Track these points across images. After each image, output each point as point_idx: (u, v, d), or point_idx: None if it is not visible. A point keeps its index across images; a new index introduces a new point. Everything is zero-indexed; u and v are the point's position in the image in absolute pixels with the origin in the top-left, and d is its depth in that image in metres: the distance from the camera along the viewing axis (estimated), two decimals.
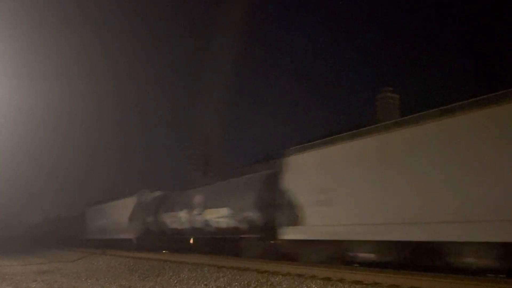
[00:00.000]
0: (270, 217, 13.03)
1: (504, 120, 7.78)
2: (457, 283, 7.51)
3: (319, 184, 11.23)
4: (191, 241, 18.60)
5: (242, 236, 14.51)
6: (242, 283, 9.50)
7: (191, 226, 17.78)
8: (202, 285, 9.73)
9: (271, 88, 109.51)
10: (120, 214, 24.97)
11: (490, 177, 7.79)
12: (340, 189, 10.60)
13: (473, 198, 7.95)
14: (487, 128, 7.97)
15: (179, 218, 18.71)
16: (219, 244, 16.37)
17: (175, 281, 10.52)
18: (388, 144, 9.72)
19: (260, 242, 13.74)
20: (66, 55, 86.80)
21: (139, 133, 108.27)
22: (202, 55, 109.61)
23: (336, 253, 10.85)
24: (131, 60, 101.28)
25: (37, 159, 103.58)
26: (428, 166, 8.78)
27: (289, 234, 12.17)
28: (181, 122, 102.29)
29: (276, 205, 12.68)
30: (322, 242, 11.14)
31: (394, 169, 9.46)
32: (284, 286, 8.91)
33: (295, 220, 11.85)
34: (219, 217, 15.73)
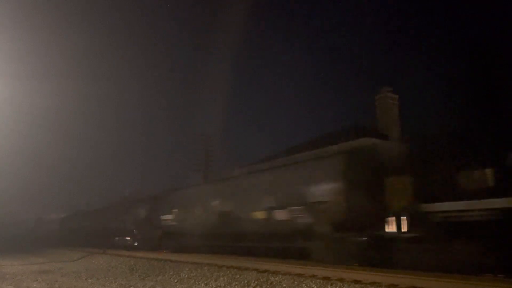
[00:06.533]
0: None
1: None
2: (457, 283, 7.54)
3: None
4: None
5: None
6: (242, 282, 9.53)
7: None
8: (202, 284, 9.76)
9: (271, 88, 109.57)
10: None
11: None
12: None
13: None
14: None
15: None
16: None
17: (176, 281, 10.55)
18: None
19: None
20: (66, 55, 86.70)
21: (139, 133, 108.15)
22: (202, 56, 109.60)
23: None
24: (132, 60, 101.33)
25: (38, 159, 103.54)
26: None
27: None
28: (182, 122, 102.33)
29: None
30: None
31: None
32: (284, 285, 8.92)
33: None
34: None
